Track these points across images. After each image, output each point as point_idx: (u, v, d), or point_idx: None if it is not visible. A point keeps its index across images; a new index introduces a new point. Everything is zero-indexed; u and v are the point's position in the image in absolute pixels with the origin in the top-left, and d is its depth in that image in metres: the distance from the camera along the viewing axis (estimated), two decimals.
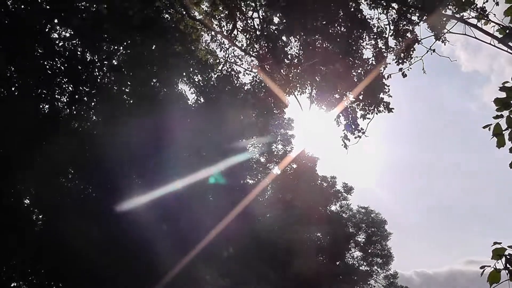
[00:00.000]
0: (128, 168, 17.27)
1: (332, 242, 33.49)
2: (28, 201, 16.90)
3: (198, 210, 17.46)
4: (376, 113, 17.54)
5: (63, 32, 17.59)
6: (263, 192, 28.06)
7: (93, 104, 18.22)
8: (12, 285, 15.68)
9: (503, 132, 6.04)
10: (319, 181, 33.67)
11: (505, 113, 6.06)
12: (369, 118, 17.64)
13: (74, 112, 18.01)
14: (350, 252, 35.63)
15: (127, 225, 15.27)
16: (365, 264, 36.00)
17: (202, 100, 20.61)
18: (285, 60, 17.04)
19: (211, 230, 17.28)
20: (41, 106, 17.01)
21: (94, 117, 18.71)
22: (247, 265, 21.76)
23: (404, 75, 16.49)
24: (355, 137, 17.50)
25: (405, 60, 16.90)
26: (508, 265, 5.20)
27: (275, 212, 27.76)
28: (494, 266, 5.26)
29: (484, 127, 6.20)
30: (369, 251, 36.27)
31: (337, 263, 34.01)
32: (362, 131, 17.40)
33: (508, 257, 5.19)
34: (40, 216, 17.27)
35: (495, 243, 5.15)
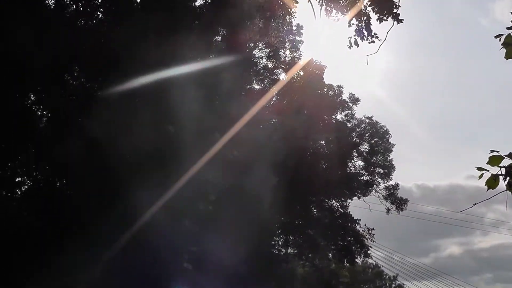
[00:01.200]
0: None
1: (336, 150, 33.77)
2: (33, 98, 16.73)
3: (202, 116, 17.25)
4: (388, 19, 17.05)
5: None
6: (269, 98, 28.01)
7: None
8: (16, 179, 15.80)
9: None
10: (326, 90, 33.46)
11: None
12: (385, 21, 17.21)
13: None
14: (353, 161, 36.00)
15: None
16: (367, 174, 36.38)
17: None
18: None
19: (216, 133, 17.21)
20: None
21: None
22: (250, 167, 21.99)
23: None
24: (369, 42, 17.11)
25: None
26: (508, 177, 5.13)
27: (280, 118, 27.78)
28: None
29: (496, 37, 5.96)
30: (372, 161, 36.55)
31: (339, 171, 34.33)
32: (375, 35, 16.96)
33: (505, 167, 5.10)
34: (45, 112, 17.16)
35: (492, 151, 5.04)
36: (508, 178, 5.09)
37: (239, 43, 21.35)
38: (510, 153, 4.99)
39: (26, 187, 15.30)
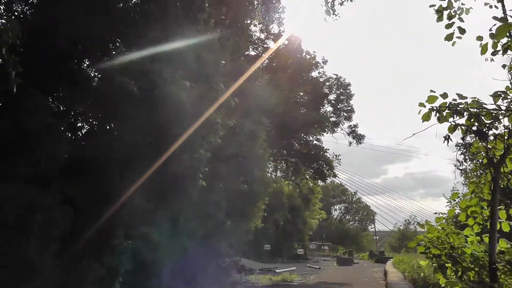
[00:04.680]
0: None
1: (311, 99, 33.87)
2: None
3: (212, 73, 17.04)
4: None
5: None
6: (262, 61, 27.97)
7: None
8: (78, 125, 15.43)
9: None
10: (304, 54, 33.37)
11: None
12: None
13: None
14: (324, 107, 36.04)
15: None
16: (334, 116, 36.51)
17: None
18: None
19: (222, 85, 17.08)
20: None
21: None
22: (248, 112, 22.11)
23: None
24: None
25: None
26: (437, 113, 5.12)
27: (270, 76, 27.72)
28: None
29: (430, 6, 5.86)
30: (338, 106, 36.67)
31: (313, 115, 34.44)
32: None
33: (438, 107, 5.09)
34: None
35: (431, 91, 5.01)
36: (437, 114, 5.12)
37: (239, 20, 21.15)
38: (444, 93, 4.99)
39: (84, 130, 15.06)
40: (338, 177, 43.17)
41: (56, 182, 11.10)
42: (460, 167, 21.92)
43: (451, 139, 5.08)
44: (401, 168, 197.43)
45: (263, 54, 28.16)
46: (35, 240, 10.09)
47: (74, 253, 11.45)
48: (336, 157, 36.17)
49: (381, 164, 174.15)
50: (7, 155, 10.19)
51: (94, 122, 14.73)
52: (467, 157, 15.57)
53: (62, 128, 13.20)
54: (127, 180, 12.70)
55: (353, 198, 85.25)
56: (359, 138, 36.04)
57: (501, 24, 4.29)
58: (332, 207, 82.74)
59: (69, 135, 13.86)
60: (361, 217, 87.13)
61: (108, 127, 14.63)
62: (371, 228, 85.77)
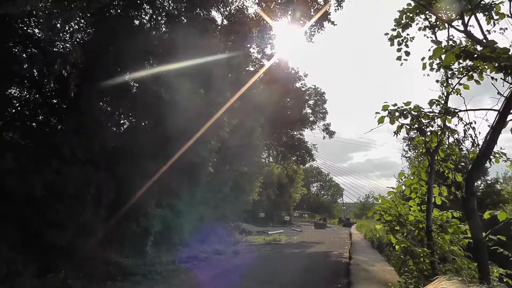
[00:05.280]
0: None
1: (295, 103, 33.79)
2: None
3: (221, 86, 17.03)
4: None
5: None
6: (259, 75, 27.99)
7: None
8: (121, 122, 15.39)
9: None
10: (290, 69, 33.32)
11: None
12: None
13: None
14: (305, 109, 35.90)
15: None
16: (312, 116, 36.45)
17: None
18: None
19: (228, 93, 17.04)
20: None
21: None
22: (248, 113, 22.11)
23: None
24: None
25: None
26: (390, 116, 5.21)
27: (265, 86, 27.65)
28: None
29: None
30: (315, 109, 36.59)
31: (297, 115, 34.41)
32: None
33: (389, 111, 5.17)
34: None
35: (384, 102, 5.09)
36: (389, 118, 5.22)
37: (242, 44, 21.16)
38: (394, 103, 5.09)
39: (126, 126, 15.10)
40: (316, 162, 43.32)
41: (105, 164, 11.20)
42: (405, 155, 22.50)
43: (399, 133, 5.19)
44: (362, 156, 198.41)
45: (260, 70, 28.07)
46: (89, 207, 10.21)
47: (117, 217, 11.58)
48: (313, 146, 36.40)
49: (348, 152, 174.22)
50: (70, 143, 10.28)
51: (133, 120, 14.80)
52: (410, 148, 15.70)
53: (110, 124, 13.29)
54: (158, 163, 12.81)
55: (326, 178, 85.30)
56: (331, 133, 36.10)
57: (436, 46, 4.40)
58: (311, 185, 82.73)
59: (115, 129, 13.95)
60: (332, 192, 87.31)
61: (143, 124, 14.72)
62: (340, 200, 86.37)
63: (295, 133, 35.92)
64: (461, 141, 5.40)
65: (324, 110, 36.58)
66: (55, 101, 11.68)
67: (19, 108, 11.29)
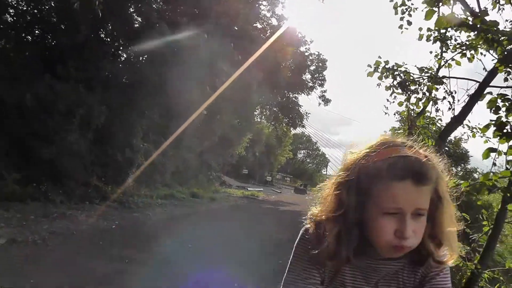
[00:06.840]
0: None
1: (298, 67, 33.56)
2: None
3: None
4: None
5: None
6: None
7: None
8: None
9: None
10: (297, 33, 32.78)
11: None
12: None
13: None
14: (305, 74, 35.67)
15: None
16: (312, 82, 36.34)
17: None
18: None
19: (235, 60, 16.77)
20: None
21: None
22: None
23: None
24: None
25: None
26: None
27: (272, 49, 27.33)
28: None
29: None
30: (315, 76, 36.45)
31: (297, 78, 34.30)
32: None
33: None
34: None
35: (379, 56, 5.14)
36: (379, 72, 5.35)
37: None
38: (386, 60, 5.12)
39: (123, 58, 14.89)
40: (306, 129, 43.78)
41: (99, 88, 11.27)
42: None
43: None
44: (353, 131, 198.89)
45: (267, 28, 27.72)
46: (77, 127, 10.38)
47: (104, 143, 11.84)
48: (306, 114, 36.80)
49: (337, 126, 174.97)
50: (65, 60, 10.28)
51: (130, 53, 14.61)
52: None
53: (107, 52, 13.20)
54: (147, 97, 12.93)
55: (314, 147, 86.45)
56: (326, 101, 36.36)
57: (428, 8, 4.50)
58: (298, 151, 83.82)
59: (111, 59, 13.82)
60: (317, 162, 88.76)
61: (141, 58, 14.55)
62: (324, 171, 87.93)
63: (291, 95, 35.98)
64: (441, 110, 5.62)
65: (323, 77, 36.55)
66: (54, 19, 11.54)
67: (14, 18, 11.14)
